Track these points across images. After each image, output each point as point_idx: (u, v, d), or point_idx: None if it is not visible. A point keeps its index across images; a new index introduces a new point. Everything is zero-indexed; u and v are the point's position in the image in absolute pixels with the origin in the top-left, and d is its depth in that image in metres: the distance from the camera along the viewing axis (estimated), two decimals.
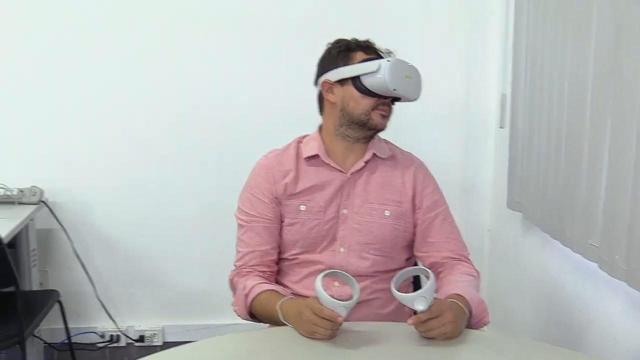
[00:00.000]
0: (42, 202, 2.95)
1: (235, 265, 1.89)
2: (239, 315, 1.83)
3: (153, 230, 3.15)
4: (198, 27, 3.01)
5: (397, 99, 1.87)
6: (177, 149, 3.08)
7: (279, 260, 1.91)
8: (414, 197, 1.89)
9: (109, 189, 3.10)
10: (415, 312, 1.52)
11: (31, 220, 2.86)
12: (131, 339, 3.23)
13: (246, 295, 1.78)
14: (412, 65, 1.85)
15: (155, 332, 3.22)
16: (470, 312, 1.62)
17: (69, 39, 2.97)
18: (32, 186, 2.93)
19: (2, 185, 2.89)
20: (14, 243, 2.75)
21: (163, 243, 3.16)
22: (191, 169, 3.10)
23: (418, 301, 1.49)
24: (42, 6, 2.95)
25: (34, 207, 2.88)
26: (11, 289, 2.35)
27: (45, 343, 3.09)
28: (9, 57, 2.97)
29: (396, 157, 1.94)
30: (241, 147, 2.99)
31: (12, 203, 2.87)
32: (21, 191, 2.90)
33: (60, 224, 3.05)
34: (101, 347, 3.22)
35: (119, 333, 3.21)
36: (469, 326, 1.62)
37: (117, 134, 3.06)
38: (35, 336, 2.90)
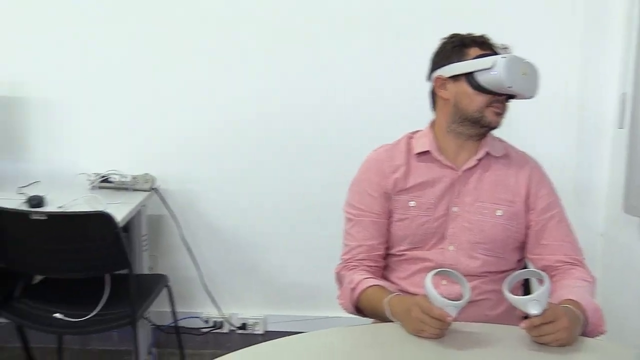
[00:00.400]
0: (154, 189, 3.04)
1: (342, 259, 1.90)
2: (344, 309, 1.83)
3: (258, 221, 3.19)
4: (307, 22, 3.02)
5: (512, 96, 1.82)
6: (286, 142, 3.11)
7: (387, 255, 1.90)
8: (527, 197, 1.84)
9: (218, 179, 3.16)
10: (526, 317, 1.47)
11: (143, 206, 2.95)
12: (234, 326, 3.29)
13: (353, 289, 1.78)
14: (528, 62, 1.80)
15: (257, 321, 3.28)
16: (586, 319, 1.56)
17: (182, 31, 3.04)
18: (145, 173, 3.02)
19: (117, 172, 3.01)
20: (127, 227, 2.85)
21: (268, 234, 3.20)
22: (299, 163, 3.12)
23: (532, 305, 1.44)
24: None
25: (146, 193, 2.98)
26: (125, 271, 2.45)
27: (153, 325, 3.20)
28: (126, 47, 3.07)
29: (510, 156, 1.89)
30: (349, 141, 2.98)
31: (126, 189, 2.98)
32: (135, 178, 3.00)
33: (170, 210, 3.14)
34: (205, 333, 3.30)
35: (222, 320, 3.28)
36: (584, 334, 1.56)
37: (226, 125, 3.11)
38: (145, 318, 3.00)
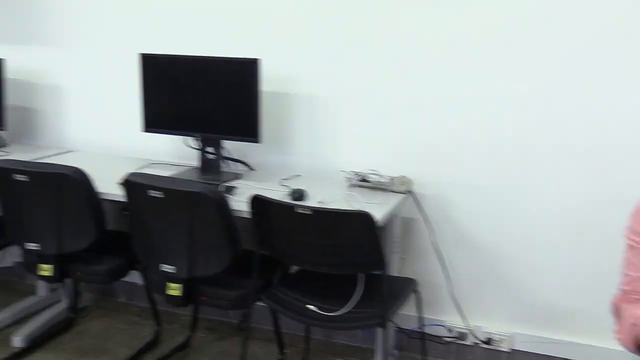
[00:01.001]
0: (409, 192, 3.03)
1: (621, 290, 1.73)
2: (622, 345, 1.68)
3: (515, 234, 3.04)
4: (594, 23, 2.78)
5: None
6: (549, 152, 2.92)
7: None
8: None
9: (475, 188, 3.06)
10: None
11: (398, 208, 2.96)
12: (478, 339, 3.19)
13: (634, 325, 1.61)
14: None
15: (503, 338, 3.14)
16: None
17: (451, 30, 2.97)
18: (402, 176, 3.02)
19: (376, 172, 3.04)
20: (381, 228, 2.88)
21: (524, 248, 3.04)
22: (565, 175, 2.90)
23: None
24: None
25: (401, 196, 2.97)
26: (377, 272, 2.46)
27: (397, 327, 3.20)
28: (391, 48, 3.07)
29: None
30: (629, 158, 2.75)
31: (383, 190, 3.00)
32: (392, 179, 3.01)
33: (423, 215, 3.11)
34: (448, 342, 3.23)
35: (467, 331, 3.19)
36: None
37: (488, 135, 3.00)
38: (390, 320, 3.00)
